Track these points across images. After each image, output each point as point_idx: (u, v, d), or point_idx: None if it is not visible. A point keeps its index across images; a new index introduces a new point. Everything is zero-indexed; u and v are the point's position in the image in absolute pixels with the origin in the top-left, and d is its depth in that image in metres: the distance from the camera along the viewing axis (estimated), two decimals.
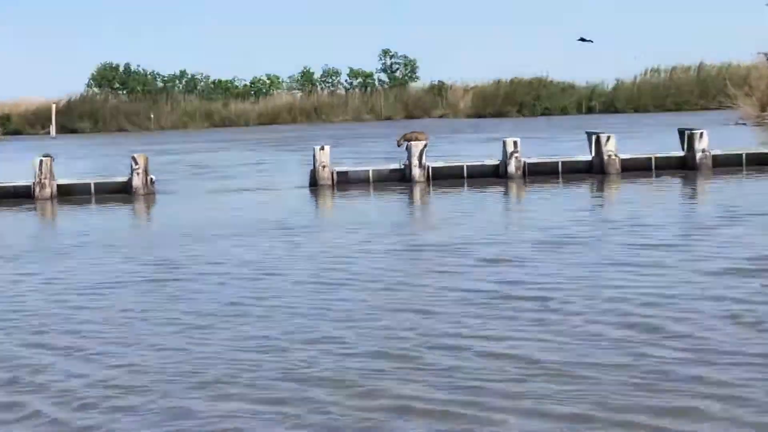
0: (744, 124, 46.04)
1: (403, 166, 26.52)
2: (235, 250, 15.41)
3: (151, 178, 26.09)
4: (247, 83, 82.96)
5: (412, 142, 26.47)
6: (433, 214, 20.23)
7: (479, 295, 11.28)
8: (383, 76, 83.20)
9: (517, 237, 15.71)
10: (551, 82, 76.96)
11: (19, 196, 25.73)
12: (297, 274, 13.05)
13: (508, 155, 26.19)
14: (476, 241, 15.34)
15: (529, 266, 12.98)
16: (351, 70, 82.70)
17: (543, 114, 74.38)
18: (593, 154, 26.83)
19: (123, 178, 26.38)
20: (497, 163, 26.64)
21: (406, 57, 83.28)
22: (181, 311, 11.13)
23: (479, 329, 9.73)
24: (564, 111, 75.24)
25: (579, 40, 34.63)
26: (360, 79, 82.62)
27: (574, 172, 26.49)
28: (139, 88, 79.38)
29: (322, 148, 25.92)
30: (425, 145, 26.36)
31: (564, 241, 14.88)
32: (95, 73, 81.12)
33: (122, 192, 25.94)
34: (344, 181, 26.26)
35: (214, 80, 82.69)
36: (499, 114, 74.64)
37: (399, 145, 28.82)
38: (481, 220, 18.06)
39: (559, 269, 12.66)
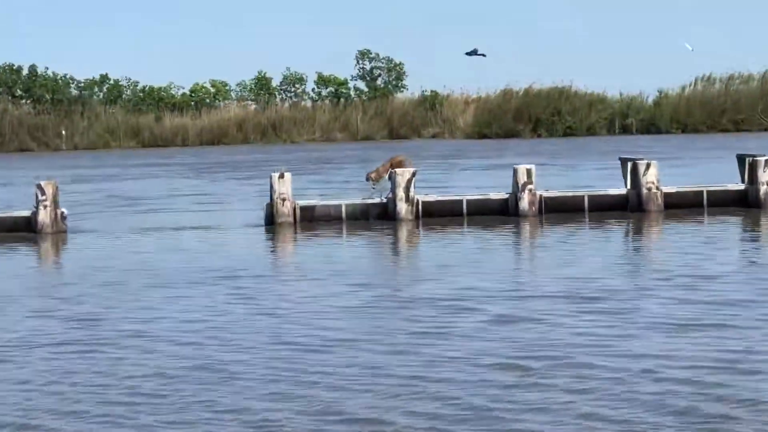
0: None
1: (385, 200, 26.61)
2: (171, 306, 15.42)
3: (62, 212, 26.06)
4: (187, 92, 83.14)
5: (397, 170, 26.54)
6: (425, 260, 20.26)
7: (494, 360, 11.37)
8: (361, 85, 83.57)
9: (535, 290, 15.79)
10: (576, 93, 77.40)
11: None
12: (252, 338, 13.05)
13: (520, 187, 26.32)
14: (482, 294, 15.43)
15: (552, 326, 13.09)
16: (320, 76, 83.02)
17: (565, 134, 74.73)
18: (629, 186, 26.98)
19: (26, 212, 26.34)
20: (506, 196, 26.75)
21: (389, 60, 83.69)
22: (106, 382, 11.10)
23: (506, 404, 9.81)
24: (591, 131, 75.63)
25: (468, 54, 34.79)
26: (331, 88, 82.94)
27: (604, 208, 26.60)
28: (47, 97, 79.37)
29: (282, 176, 25.98)
30: (414, 174, 26.47)
31: (594, 296, 15.00)
32: None
33: (25, 230, 25.87)
34: (310, 219, 26.30)
35: (144, 87, 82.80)
36: (509, 134, 74.93)
37: (369, 180, 28.22)
38: (486, 269, 18.12)
39: (590, 329, 12.78)
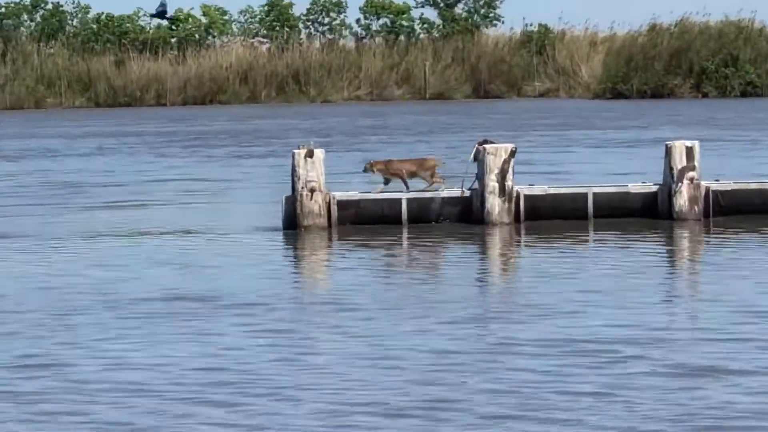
0: None
1: (468, 193, 26.57)
2: (151, 347, 15.55)
3: None
4: (164, 23, 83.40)
5: (488, 146, 26.48)
6: (536, 284, 20.26)
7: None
8: (431, 14, 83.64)
9: (717, 330, 15.82)
10: (762, 31, 77.07)
11: None
12: (276, 396, 13.17)
13: (677, 175, 26.24)
14: (634, 335, 15.53)
15: (761, 384, 13.19)
16: (368, 0, 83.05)
17: (744, 94, 74.36)
18: None
19: None
20: (654, 189, 26.70)
21: None
22: None
23: None
24: None
25: (154, 16, 35.40)
26: (385, 20, 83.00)
27: None
28: None
29: (310, 154, 25.97)
30: (513, 153, 26.34)
31: None
32: None
33: None
34: (352, 220, 26.28)
35: (99, 16, 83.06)
36: (658, 92, 74.62)
37: (367, 172, 26.85)
38: (634, 298, 18.18)
39: None
